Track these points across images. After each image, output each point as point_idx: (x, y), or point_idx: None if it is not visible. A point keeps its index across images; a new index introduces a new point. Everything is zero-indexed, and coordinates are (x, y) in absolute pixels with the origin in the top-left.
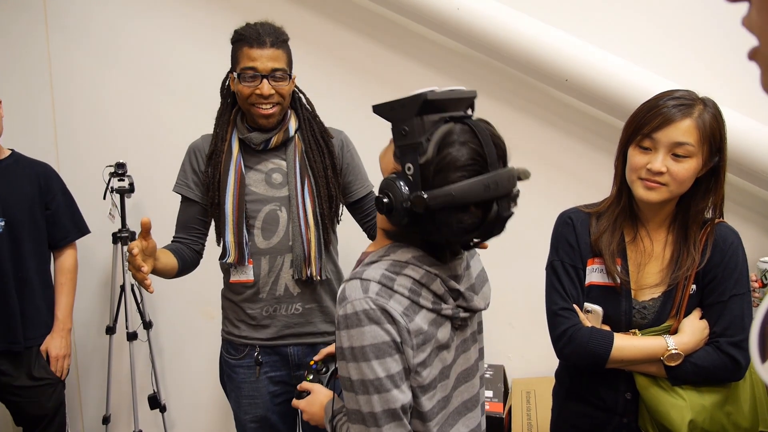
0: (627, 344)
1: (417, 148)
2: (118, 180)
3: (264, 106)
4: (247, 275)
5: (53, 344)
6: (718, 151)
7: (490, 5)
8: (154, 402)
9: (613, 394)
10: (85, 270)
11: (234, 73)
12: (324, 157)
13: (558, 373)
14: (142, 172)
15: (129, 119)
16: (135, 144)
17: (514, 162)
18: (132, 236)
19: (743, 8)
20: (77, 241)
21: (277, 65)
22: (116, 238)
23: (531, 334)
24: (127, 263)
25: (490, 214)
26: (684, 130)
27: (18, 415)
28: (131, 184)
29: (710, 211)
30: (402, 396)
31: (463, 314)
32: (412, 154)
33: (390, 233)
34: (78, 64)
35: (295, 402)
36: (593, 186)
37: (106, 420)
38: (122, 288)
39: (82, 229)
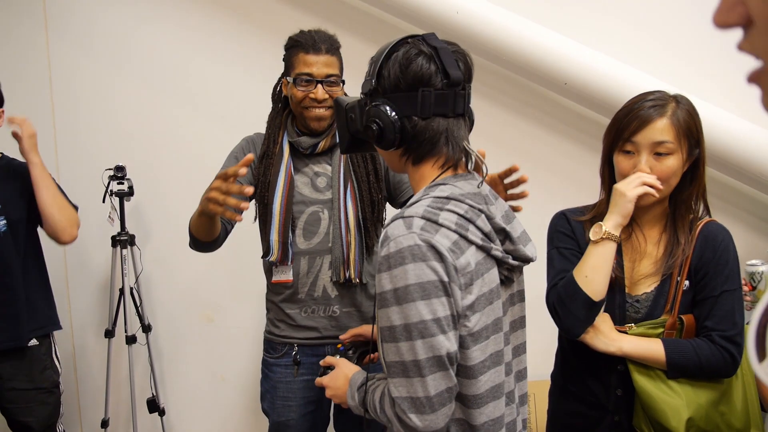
0: (581, 265)
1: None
2: (117, 183)
3: (317, 110)
4: (286, 275)
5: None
6: (697, 143)
7: (489, 9)
8: (153, 406)
9: (604, 390)
10: (84, 273)
11: (287, 77)
12: (367, 162)
13: (553, 374)
14: (142, 175)
15: (128, 122)
16: (134, 147)
17: (512, 164)
18: (131, 239)
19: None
20: (74, 245)
21: (331, 71)
22: (115, 241)
23: (531, 336)
24: (212, 192)
25: (451, 78)
26: (661, 129)
27: (11, 423)
28: (130, 188)
29: (696, 205)
30: (448, 343)
31: (512, 261)
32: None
33: (416, 175)
34: (78, 67)
35: (318, 380)
36: (592, 189)
37: (104, 424)
38: (121, 291)
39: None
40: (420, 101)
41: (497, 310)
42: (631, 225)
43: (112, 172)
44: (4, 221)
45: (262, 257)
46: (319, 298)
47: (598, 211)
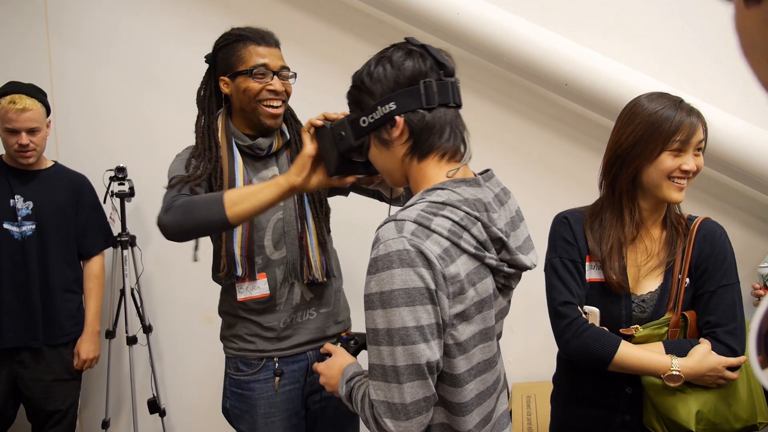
0: (631, 354)
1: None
2: (118, 184)
3: (274, 103)
4: (260, 290)
5: (83, 348)
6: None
7: (490, 10)
8: (154, 406)
9: (614, 389)
10: None
11: (226, 76)
12: None
13: (556, 378)
14: (142, 176)
15: (129, 123)
16: (135, 148)
17: (513, 165)
18: (132, 240)
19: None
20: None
21: (284, 63)
22: (116, 242)
23: (531, 337)
24: None
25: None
26: (700, 131)
27: (31, 410)
28: (131, 188)
29: None
30: (429, 352)
31: (507, 269)
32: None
33: (419, 174)
34: (78, 67)
35: (315, 365)
36: (593, 189)
37: (105, 424)
38: (122, 292)
39: (108, 241)
40: (424, 92)
41: (488, 319)
42: (635, 226)
43: (113, 173)
44: (33, 226)
45: (220, 274)
46: (298, 304)
47: (604, 210)
